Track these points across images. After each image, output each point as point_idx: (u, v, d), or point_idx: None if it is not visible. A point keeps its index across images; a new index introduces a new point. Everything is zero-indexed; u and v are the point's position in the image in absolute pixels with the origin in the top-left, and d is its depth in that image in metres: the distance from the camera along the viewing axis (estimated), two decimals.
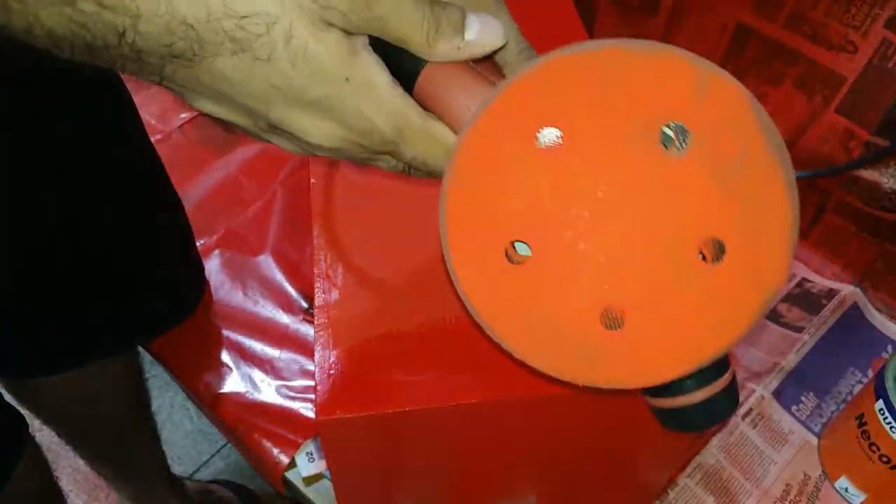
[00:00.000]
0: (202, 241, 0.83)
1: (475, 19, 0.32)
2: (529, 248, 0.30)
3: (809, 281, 0.81)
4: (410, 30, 0.30)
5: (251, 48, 0.29)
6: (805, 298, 0.79)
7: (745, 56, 0.74)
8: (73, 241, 0.60)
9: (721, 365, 0.32)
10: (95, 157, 0.58)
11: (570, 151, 0.29)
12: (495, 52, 0.34)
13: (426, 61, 0.32)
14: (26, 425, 0.63)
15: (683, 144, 0.28)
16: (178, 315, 0.76)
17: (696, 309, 0.30)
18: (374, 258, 0.48)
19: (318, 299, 0.46)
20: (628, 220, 0.29)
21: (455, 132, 0.32)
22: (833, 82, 0.69)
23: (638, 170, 0.28)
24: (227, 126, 0.33)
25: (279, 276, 0.80)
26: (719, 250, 0.29)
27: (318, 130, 0.31)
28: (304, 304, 0.78)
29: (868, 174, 0.71)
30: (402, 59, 0.32)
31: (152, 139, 0.93)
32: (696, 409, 0.33)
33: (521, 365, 0.32)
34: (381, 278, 0.47)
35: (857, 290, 0.79)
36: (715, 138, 0.28)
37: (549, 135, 0.28)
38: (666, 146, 0.28)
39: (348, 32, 0.30)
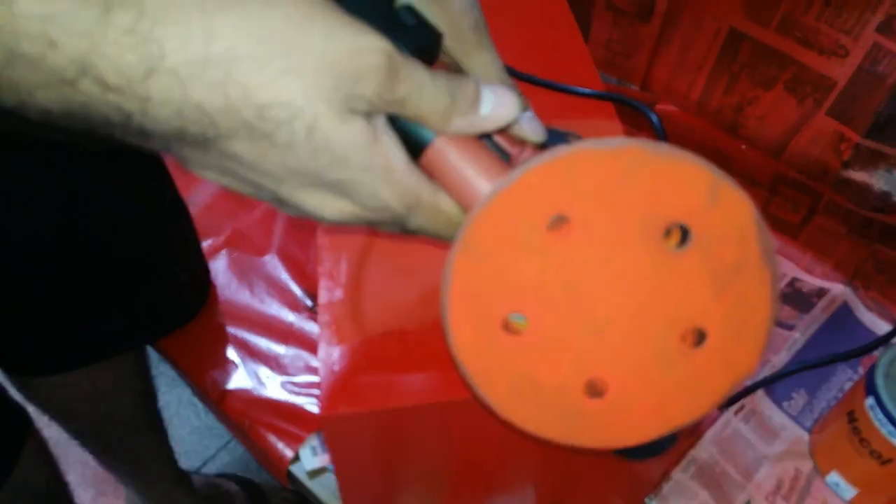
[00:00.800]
0: (210, 242, 0.84)
1: (490, 94, 0.31)
2: (527, 320, 0.31)
3: (800, 280, 0.81)
4: (428, 108, 0.30)
5: (269, 135, 0.27)
6: (796, 297, 0.80)
7: (737, 60, 0.74)
8: (78, 242, 0.60)
9: None
10: (100, 160, 0.58)
11: (577, 238, 0.30)
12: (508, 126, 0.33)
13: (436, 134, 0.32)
14: (29, 419, 0.63)
15: (685, 243, 0.30)
16: (181, 317, 0.77)
17: (671, 386, 0.32)
18: (376, 257, 0.49)
19: (323, 298, 0.46)
20: (623, 304, 0.31)
21: (461, 203, 0.33)
22: (824, 86, 0.69)
23: (639, 261, 0.30)
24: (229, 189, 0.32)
25: (284, 276, 0.81)
26: (700, 338, 0.31)
27: (329, 208, 0.30)
28: (309, 303, 0.79)
29: (859, 176, 0.71)
30: (412, 130, 0.31)
31: None
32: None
33: (504, 424, 0.33)
34: (383, 276, 0.48)
35: (848, 289, 0.79)
36: (715, 243, 0.30)
37: (560, 221, 0.29)
38: (667, 240, 0.30)
39: (369, 114, 0.29)
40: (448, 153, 0.32)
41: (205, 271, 0.80)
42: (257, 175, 0.29)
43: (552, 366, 0.32)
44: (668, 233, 0.30)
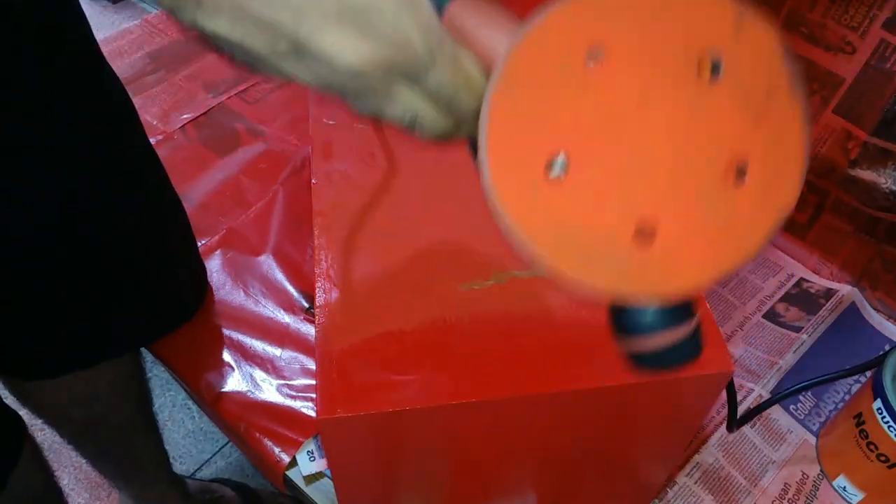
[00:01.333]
0: (204, 241, 0.84)
1: None
2: (569, 162, 0.31)
3: (808, 281, 0.81)
4: None
5: None
6: (803, 298, 0.79)
7: None
8: (78, 239, 0.60)
9: (690, 304, 0.35)
10: (96, 161, 0.58)
11: (614, 70, 0.30)
12: None
13: None
14: (24, 426, 0.63)
15: (717, 74, 0.30)
16: (178, 318, 0.76)
17: (718, 225, 0.32)
18: (374, 258, 0.48)
19: (319, 299, 0.46)
20: (664, 138, 0.31)
21: (482, 64, 0.33)
22: (831, 83, 0.69)
23: (674, 92, 0.30)
24: (230, 55, 0.31)
25: (280, 276, 0.81)
26: (742, 172, 0.32)
27: (349, 50, 0.30)
28: (305, 304, 0.79)
29: (867, 174, 0.71)
30: None
31: (154, 140, 0.94)
32: (677, 345, 0.35)
33: (551, 276, 0.33)
34: (381, 278, 0.48)
35: (855, 289, 0.79)
36: (745, 71, 0.30)
37: (597, 54, 0.30)
38: (700, 74, 0.30)
39: None
40: (466, 13, 0.33)
41: (203, 270, 0.80)
42: (280, 8, 0.29)
43: (599, 210, 0.31)
44: (701, 69, 0.30)
